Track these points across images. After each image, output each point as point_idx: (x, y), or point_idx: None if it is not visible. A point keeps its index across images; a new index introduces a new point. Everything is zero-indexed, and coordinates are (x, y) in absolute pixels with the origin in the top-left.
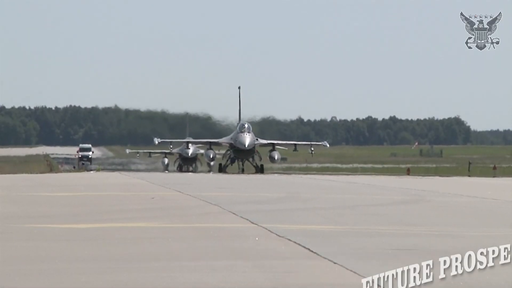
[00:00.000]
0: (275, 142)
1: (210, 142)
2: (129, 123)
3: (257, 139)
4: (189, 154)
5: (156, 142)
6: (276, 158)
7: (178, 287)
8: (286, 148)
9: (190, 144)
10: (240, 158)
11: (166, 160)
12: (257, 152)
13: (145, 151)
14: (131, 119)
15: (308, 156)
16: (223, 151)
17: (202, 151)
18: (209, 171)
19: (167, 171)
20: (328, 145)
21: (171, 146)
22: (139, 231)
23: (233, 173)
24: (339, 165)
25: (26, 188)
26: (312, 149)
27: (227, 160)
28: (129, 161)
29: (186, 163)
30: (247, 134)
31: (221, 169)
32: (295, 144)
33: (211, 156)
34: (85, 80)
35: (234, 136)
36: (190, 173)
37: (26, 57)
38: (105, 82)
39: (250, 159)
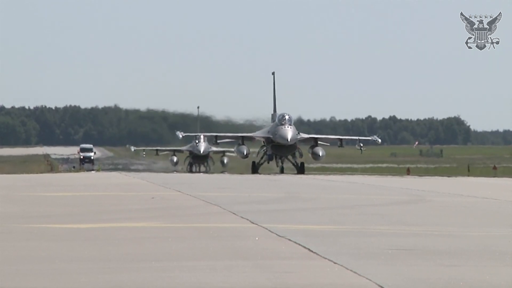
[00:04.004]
0: (318, 136)
1: (243, 136)
2: (129, 123)
3: (298, 133)
4: (201, 152)
5: (180, 136)
6: (321, 155)
7: (178, 287)
8: (329, 144)
9: (203, 140)
10: (279, 155)
11: (175, 158)
12: (298, 148)
13: (151, 148)
14: (131, 119)
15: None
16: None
17: (214, 148)
18: (222, 172)
19: (175, 171)
20: (379, 140)
21: (197, 141)
22: (139, 231)
23: (269, 174)
24: (339, 165)
25: (26, 188)
26: (362, 144)
27: (262, 158)
28: (129, 161)
29: (197, 162)
30: (289, 126)
31: (255, 168)
32: (340, 139)
33: (245, 153)
34: (85, 80)
35: (272, 129)
36: (201, 174)
37: (26, 57)
38: (105, 82)
39: (290, 157)
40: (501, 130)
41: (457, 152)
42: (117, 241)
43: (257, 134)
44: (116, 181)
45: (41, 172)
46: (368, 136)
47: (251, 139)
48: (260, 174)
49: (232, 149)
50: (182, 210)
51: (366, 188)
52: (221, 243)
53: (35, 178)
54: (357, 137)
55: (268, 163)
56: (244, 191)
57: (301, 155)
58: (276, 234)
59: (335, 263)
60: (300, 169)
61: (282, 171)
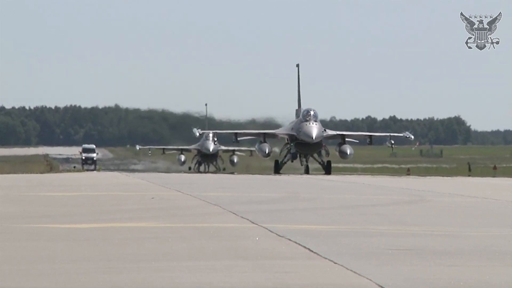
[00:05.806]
0: (346, 133)
1: (265, 133)
2: (130, 123)
3: (324, 130)
4: (210, 150)
5: (197, 134)
6: (348, 153)
7: (178, 287)
8: (357, 141)
9: (212, 138)
10: (303, 154)
11: (182, 158)
12: (324, 146)
13: (158, 147)
14: (131, 119)
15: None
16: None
17: (223, 147)
18: (232, 172)
19: (183, 171)
20: (412, 137)
21: (215, 139)
22: (139, 231)
23: (292, 174)
24: (339, 165)
25: (26, 188)
26: (393, 141)
27: (285, 156)
28: (129, 162)
29: (206, 161)
30: (314, 123)
31: (278, 168)
32: (370, 136)
33: (267, 152)
34: (85, 80)
35: (296, 126)
36: (210, 174)
37: (26, 57)
38: (105, 82)
39: (315, 155)
40: (501, 130)
41: (458, 152)
42: (117, 241)
43: (280, 131)
44: (116, 181)
45: (41, 172)
46: (400, 133)
47: (273, 136)
48: (283, 174)
49: (242, 148)
50: (182, 210)
51: (366, 188)
52: (221, 243)
53: (35, 178)
54: (387, 134)
55: (292, 161)
56: (244, 191)
57: (327, 154)
58: (276, 234)
59: (335, 263)
60: (327, 169)
61: (307, 171)
